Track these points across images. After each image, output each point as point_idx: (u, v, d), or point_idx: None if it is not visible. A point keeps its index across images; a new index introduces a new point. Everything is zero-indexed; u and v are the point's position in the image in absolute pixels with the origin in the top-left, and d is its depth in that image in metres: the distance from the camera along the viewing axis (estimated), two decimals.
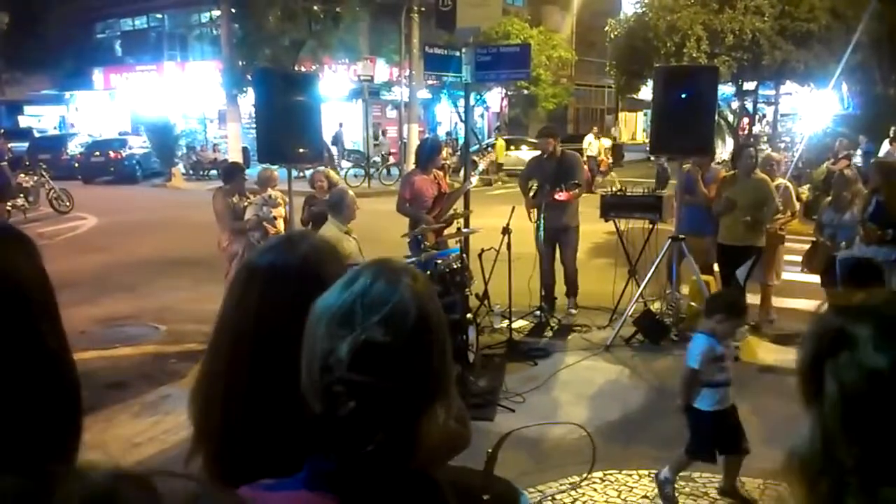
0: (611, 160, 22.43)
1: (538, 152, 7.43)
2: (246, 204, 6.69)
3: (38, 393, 0.72)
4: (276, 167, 7.09)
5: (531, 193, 7.17)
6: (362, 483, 0.97)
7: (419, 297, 1.02)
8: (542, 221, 6.82)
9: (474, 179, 7.15)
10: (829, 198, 6.40)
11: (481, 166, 20.99)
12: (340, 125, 26.07)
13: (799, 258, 6.83)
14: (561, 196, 6.77)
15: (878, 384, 0.75)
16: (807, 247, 6.70)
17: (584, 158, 21.34)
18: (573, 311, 7.20)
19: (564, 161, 7.09)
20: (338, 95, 24.57)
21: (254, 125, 8.85)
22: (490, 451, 2.29)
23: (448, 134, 28.33)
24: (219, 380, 1.30)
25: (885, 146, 13.38)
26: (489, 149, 22.09)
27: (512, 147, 25.62)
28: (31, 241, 0.83)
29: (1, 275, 0.74)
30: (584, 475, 3.89)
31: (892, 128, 12.85)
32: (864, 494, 0.75)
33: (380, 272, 1.02)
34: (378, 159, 23.88)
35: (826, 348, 0.81)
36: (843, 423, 0.78)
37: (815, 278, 6.54)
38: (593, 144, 21.43)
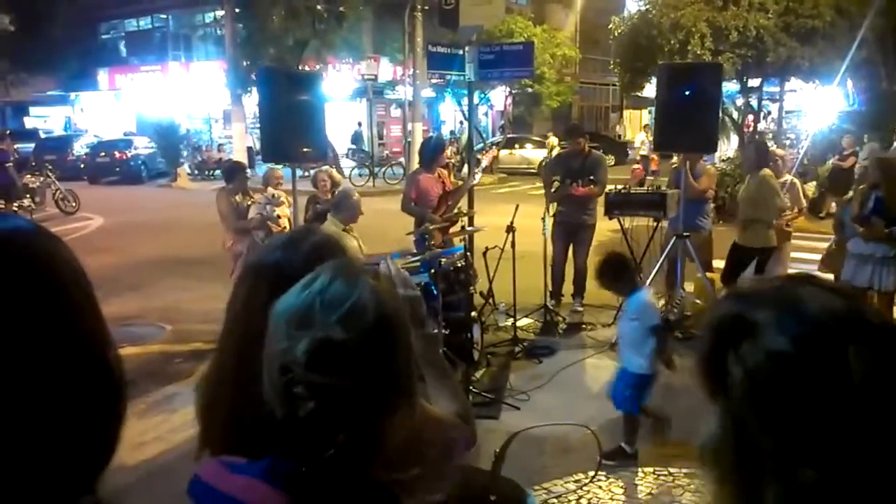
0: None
1: (541, 150, 7.48)
2: (249, 203, 6.70)
3: (78, 393, 0.70)
4: (280, 166, 7.11)
5: (553, 188, 7.20)
6: (319, 488, 0.95)
7: (379, 296, 1.00)
8: (555, 216, 6.83)
9: (477, 177, 7.16)
10: (850, 195, 6.24)
11: (484, 163, 20.94)
12: (359, 124, 26.03)
13: (805, 255, 6.80)
14: (576, 190, 6.91)
15: (785, 365, 0.75)
16: (812, 244, 6.65)
17: (637, 157, 21.09)
18: (579, 308, 7.19)
19: (589, 159, 7.19)
20: (342, 95, 24.56)
21: (258, 125, 8.87)
22: (497, 451, 2.29)
23: (452, 132, 28.29)
24: (226, 379, 1.30)
25: None
26: (492, 147, 21.94)
27: (516, 145, 25.59)
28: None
29: (46, 267, 0.73)
30: (591, 475, 3.89)
31: None
32: (782, 478, 0.75)
33: (338, 272, 1.01)
34: (401, 160, 23.18)
35: (727, 337, 0.79)
36: (753, 409, 0.76)
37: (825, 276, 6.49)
38: (645, 143, 20.68)
